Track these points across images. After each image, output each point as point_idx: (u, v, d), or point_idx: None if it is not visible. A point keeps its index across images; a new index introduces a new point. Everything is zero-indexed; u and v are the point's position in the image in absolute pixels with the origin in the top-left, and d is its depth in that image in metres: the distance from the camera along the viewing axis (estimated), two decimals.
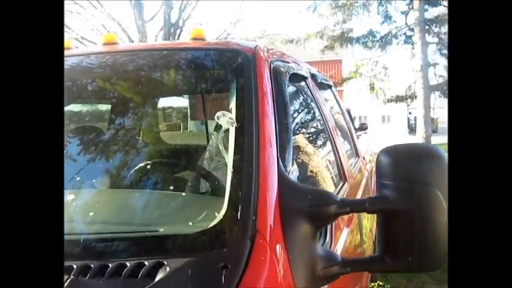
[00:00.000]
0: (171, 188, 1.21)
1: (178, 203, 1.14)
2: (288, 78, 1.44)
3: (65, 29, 11.27)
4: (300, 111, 1.74)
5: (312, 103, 1.87)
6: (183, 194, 1.20)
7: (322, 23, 12.75)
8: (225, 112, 1.10)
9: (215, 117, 1.10)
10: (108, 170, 1.34)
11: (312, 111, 1.86)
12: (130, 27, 12.40)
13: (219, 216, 0.87)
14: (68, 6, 11.66)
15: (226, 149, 1.06)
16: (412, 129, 24.84)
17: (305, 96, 1.86)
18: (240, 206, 0.86)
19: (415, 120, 13.20)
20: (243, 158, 0.97)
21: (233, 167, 0.97)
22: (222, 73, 1.37)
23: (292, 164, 1.15)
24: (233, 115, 1.10)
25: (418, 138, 10.58)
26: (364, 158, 2.81)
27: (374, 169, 1.10)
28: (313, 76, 2.08)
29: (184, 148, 1.83)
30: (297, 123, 1.55)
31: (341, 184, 1.73)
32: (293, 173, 1.15)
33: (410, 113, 25.58)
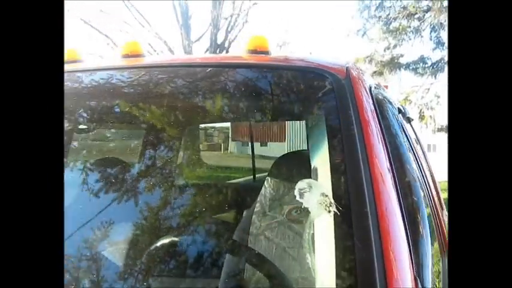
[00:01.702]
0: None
1: None
2: (395, 112, 0.98)
3: (114, 48, 11.48)
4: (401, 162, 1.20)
5: (410, 151, 1.33)
6: None
7: (372, 48, 12.33)
8: (311, 182, 0.67)
9: (295, 193, 0.68)
10: (121, 234, 0.98)
11: (413, 163, 1.29)
12: (177, 47, 12.38)
13: None
14: (117, 25, 11.87)
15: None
16: None
17: (404, 140, 1.31)
18: None
19: None
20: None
21: None
22: (302, 100, 0.97)
23: None
24: (326, 182, 0.67)
25: None
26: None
27: None
28: (400, 110, 1.49)
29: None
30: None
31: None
32: None
33: None
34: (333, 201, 0.62)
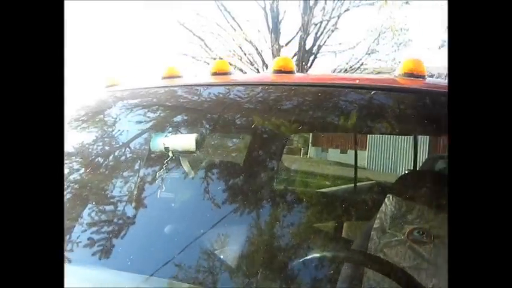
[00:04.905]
0: None
1: None
2: None
3: (206, 49, 11.68)
4: None
5: None
6: None
7: None
8: None
9: None
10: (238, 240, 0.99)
11: None
12: (266, 51, 12.32)
13: None
14: (210, 27, 11.99)
15: None
16: None
17: None
18: None
19: None
20: None
21: None
22: None
23: None
24: None
25: None
26: None
27: None
28: None
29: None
30: None
31: None
32: None
33: None
34: None
